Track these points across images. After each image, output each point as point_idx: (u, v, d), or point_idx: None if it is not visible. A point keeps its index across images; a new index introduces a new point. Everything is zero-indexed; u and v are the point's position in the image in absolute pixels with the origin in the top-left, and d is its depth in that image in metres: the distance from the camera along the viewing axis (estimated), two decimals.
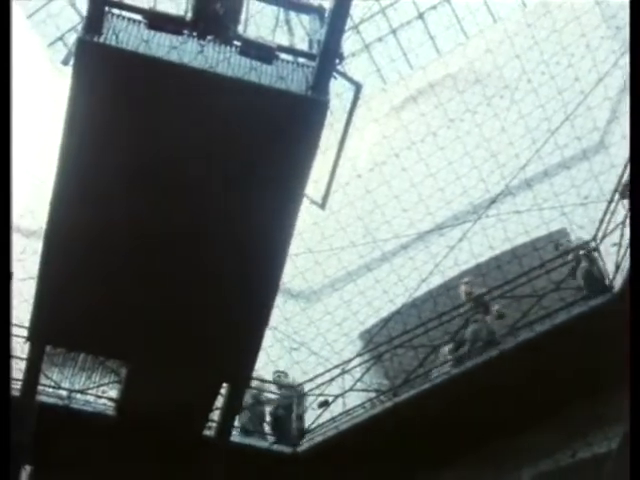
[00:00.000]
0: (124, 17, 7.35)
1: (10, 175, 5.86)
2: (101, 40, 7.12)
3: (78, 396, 11.01)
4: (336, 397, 11.61)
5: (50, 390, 10.97)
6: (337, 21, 7.21)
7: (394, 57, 16.21)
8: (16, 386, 10.64)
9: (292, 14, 8.18)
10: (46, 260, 8.30)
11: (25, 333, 10.20)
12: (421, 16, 16.55)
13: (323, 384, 12.03)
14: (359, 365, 12.34)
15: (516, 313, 11.23)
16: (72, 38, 8.00)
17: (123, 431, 10.14)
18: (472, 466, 10.69)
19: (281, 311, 12.85)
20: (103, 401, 10.98)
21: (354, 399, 11.95)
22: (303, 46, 7.84)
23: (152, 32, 7.33)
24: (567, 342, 10.11)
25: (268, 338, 9.68)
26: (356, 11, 12.87)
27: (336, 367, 12.28)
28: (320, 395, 12.18)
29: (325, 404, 11.63)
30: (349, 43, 12.28)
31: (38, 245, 10.70)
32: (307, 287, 15.36)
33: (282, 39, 7.93)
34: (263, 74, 7.40)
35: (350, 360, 12.40)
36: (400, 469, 10.78)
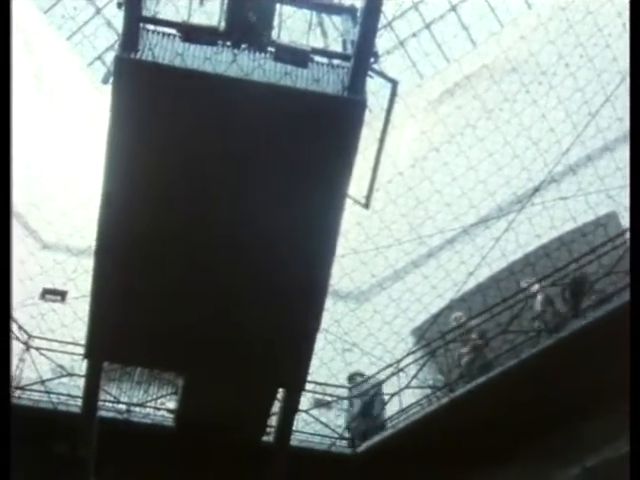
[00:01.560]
0: (158, 32, 7.44)
1: (10, 176, 5.84)
2: (138, 56, 7.20)
3: (137, 409, 11.13)
4: (392, 396, 11.56)
5: (109, 405, 11.10)
6: (369, 20, 7.20)
7: (428, 52, 16.13)
8: (77, 403, 10.87)
9: (324, 16, 8.18)
10: (98, 278, 8.41)
11: (81, 350, 10.40)
12: (454, 8, 16.45)
13: (378, 384, 11.99)
14: (413, 362, 12.27)
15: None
16: (110, 56, 8.11)
17: (183, 441, 10.24)
18: (528, 463, 10.51)
19: (331, 313, 12.84)
20: (162, 413, 11.09)
21: (409, 397, 11.90)
22: (337, 47, 7.86)
23: (187, 45, 7.40)
24: (623, 327, 9.92)
25: (319, 341, 9.69)
26: (388, 8, 12.81)
27: (390, 366, 12.22)
28: (375, 395, 12.16)
29: (382, 404, 11.59)
30: (383, 40, 12.26)
31: (88, 263, 10.91)
32: (355, 288, 15.35)
33: (316, 42, 7.93)
34: (298, 78, 7.43)
35: (403, 358, 12.33)
36: (457, 467, 10.68)
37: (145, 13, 7.31)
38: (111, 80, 7.32)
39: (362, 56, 7.39)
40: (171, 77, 7.26)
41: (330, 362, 13.23)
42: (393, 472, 10.83)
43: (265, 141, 7.59)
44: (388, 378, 12.01)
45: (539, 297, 11.37)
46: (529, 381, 10.19)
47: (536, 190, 13.11)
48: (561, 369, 10.09)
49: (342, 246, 10.50)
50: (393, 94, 8.08)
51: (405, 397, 11.86)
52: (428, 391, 11.95)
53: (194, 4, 7.84)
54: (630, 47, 7.05)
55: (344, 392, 12.71)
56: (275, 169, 7.73)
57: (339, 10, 7.93)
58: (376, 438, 11.30)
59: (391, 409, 11.67)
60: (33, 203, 14.42)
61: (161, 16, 7.63)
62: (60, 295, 13.92)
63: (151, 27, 7.45)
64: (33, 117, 15.96)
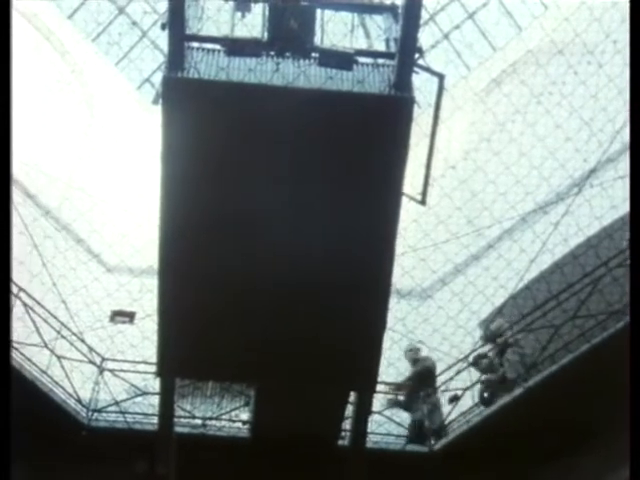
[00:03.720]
0: (203, 49, 7.52)
1: (10, 178, 5.90)
2: (184, 75, 7.29)
3: (212, 423, 11.24)
4: (465, 390, 11.46)
5: (184, 421, 11.23)
6: (411, 16, 7.17)
7: (472, 42, 16.02)
8: (151, 421, 11.04)
9: (366, 16, 8.18)
10: (164, 297, 8.51)
11: (150, 369, 10.57)
12: None
13: (449, 380, 11.90)
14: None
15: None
16: (158, 78, 8.28)
17: (259, 451, 10.30)
18: (608, 455, 10.28)
19: (394, 312, 12.80)
20: (237, 425, 11.19)
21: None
22: (381, 47, 7.84)
23: (231, 58, 7.47)
24: None
25: (385, 341, 9.62)
26: (429, 2, 12.78)
27: (460, 361, 12.12)
28: (446, 391, 12.08)
29: (455, 399, 11.48)
30: (426, 35, 12.20)
31: (150, 282, 11.08)
32: (416, 285, 15.26)
33: (359, 43, 7.94)
34: (342, 81, 7.43)
35: (473, 351, 12.21)
36: (532, 461, 10.53)
37: (188, 31, 7.41)
38: (161, 101, 7.44)
39: (406, 53, 7.35)
40: (216, 92, 7.33)
41: (397, 361, 13.19)
42: (471, 468, 10.73)
43: (315, 147, 7.60)
44: (460, 372, 11.91)
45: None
46: (602, 366, 10.00)
47: (592, 171, 12.89)
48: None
49: (400, 244, 10.45)
50: (440, 88, 8.04)
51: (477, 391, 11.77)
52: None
53: (235, 18, 7.93)
54: (630, 46, 6.89)
55: None
56: (328, 174, 7.73)
57: (380, 9, 7.92)
58: (452, 435, 11.21)
59: (465, 404, 11.56)
60: (94, 229, 14.72)
61: (204, 33, 7.74)
62: (129, 316, 14.18)
63: (195, 44, 7.55)
64: (88, 144, 16.33)
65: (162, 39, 14.35)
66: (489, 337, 12.30)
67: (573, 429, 10.02)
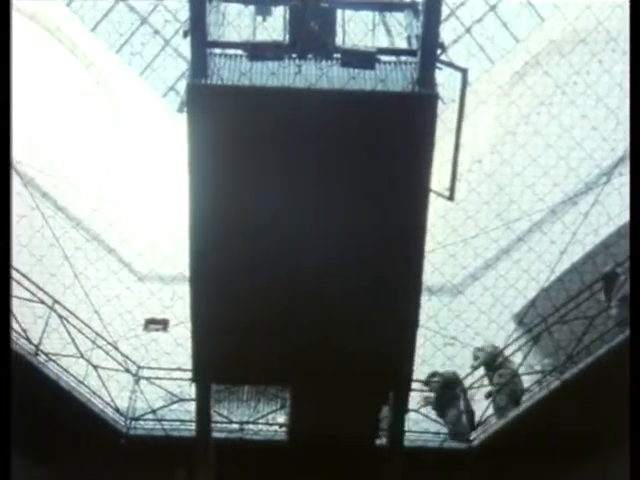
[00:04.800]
0: (225, 55, 7.55)
1: (10, 182, 5.92)
2: (208, 82, 7.32)
3: (248, 427, 11.29)
4: (502, 385, 11.40)
5: (221, 426, 11.28)
6: (432, 12, 7.14)
7: (493, 35, 15.93)
8: (187, 427, 11.10)
9: (387, 14, 8.16)
10: (196, 303, 8.55)
11: (185, 375, 10.62)
12: None
13: (485, 375, 11.85)
14: (518, 349, 12.08)
15: None
16: (182, 85, 8.30)
17: (297, 453, 10.32)
18: None
19: (426, 309, 12.76)
20: (274, 428, 11.22)
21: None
22: (402, 44, 7.82)
23: (253, 63, 7.49)
24: None
25: (418, 338, 9.61)
26: None
27: (496, 355, 12.04)
28: (482, 386, 12.03)
29: (492, 395, 11.43)
30: (447, 29, 12.14)
31: (181, 290, 11.15)
32: (447, 281, 15.19)
33: (381, 42, 7.92)
34: (365, 80, 7.42)
35: (507, 346, 12.15)
36: (573, 454, 10.42)
37: (210, 38, 7.44)
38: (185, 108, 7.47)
39: (428, 49, 7.32)
40: (240, 97, 7.35)
41: (431, 358, 13.15)
42: (510, 463, 10.67)
43: (341, 148, 7.59)
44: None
45: None
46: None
47: (621, 159, 12.75)
48: None
49: (429, 241, 10.43)
50: (464, 82, 8.00)
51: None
52: (536, 377, 11.75)
53: (256, 22, 7.95)
54: (630, 46, 6.79)
55: None
56: (355, 175, 7.72)
57: (400, 6, 7.89)
58: (489, 430, 11.15)
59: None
60: (124, 238, 14.84)
61: (225, 38, 7.77)
62: (162, 324, 14.29)
63: (217, 50, 7.58)
64: (115, 155, 16.48)
65: (184, 47, 14.49)
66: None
67: (611, 423, 9.91)
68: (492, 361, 11.96)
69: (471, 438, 11.40)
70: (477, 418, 11.71)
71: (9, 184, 5.69)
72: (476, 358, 12.47)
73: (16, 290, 11.06)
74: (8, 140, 5.78)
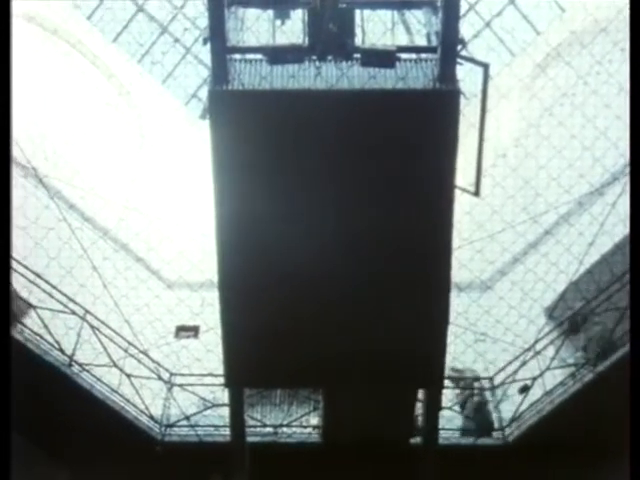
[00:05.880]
0: (246, 60, 7.58)
1: (9, 175, 5.94)
2: (229, 87, 7.35)
3: (282, 430, 11.30)
4: (534, 379, 11.31)
5: (255, 430, 11.30)
6: (451, 8, 7.13)
7: (513, 28, 15.83)
8: (220, 432, 11.15)
9: (406, 12, 8.15)
10: (226, 309, 8.60)
11: (217, 381, 10.66)
12: None
13: (517, 370, 11.76)
14: (550, 343, 11.98)
15: None
16: (204, 92, 8.35)
17: (332, 455, 10.32)
18: None
19: (454, 306, 12.71)
20: (307, 430, 11.23)
21: (549, 379, 11.60)
22: (423, 41, 7.80)
23: (272, 67, 7.51)
24: None
25: (448, 335, 9.58)
26: None
27: (527, 350, 11.97)
28: (514, 381, 11.95)
29: (525, 389, 11.35)
30: (466, 24, 12.09)
31: (209, 296, 11.19)
32: (475, 277, 15.12)
33: (401, 40, 7.91)
34: (384, 79, 7.41)
35: (539, 340, 12.05)
36: (608, 448, 10.32)
37: (229, 44, 7.47)
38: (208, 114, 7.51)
39: (448, 45, 7.31)
40: (261, 101, 7.39)
41: (461, 355, 13.09)
42: (545, 458, 10.61)
43: (365, 147, 7.58)
44: (526, 363, 11.76)
45: None
46: None
47: None
48: None
49: (455, 237, 10.40)
50: (486, 77, 7.98)
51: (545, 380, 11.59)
52: (568, 371, 11.64)
53: (274, 26, 7.97)
54: (630, 46, 6.72)
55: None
56: (380, 174, 7.71)
57: (419, 3, 7.86)
58: (524, 426, 11.08)
59: (535, 394, 11.40)
60: (152, 246, 14.93)
61: (244, 43, 7.80)
62: (193, 331, 14.36)
63: (237, 56, 7.61)
64: (140, 164, 16.60)
65: (204, 54, 14.59)
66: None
67: None
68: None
69: (506, 434, 11.32)
70: (510, 414, 11.61)
71: (9, 176, 5.74)
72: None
73: (48, 302, 11.18)
74: (8, 140, 5.83)
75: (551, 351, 11.89)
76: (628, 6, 13.41)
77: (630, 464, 5.60)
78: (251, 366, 9.10)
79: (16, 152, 12.11)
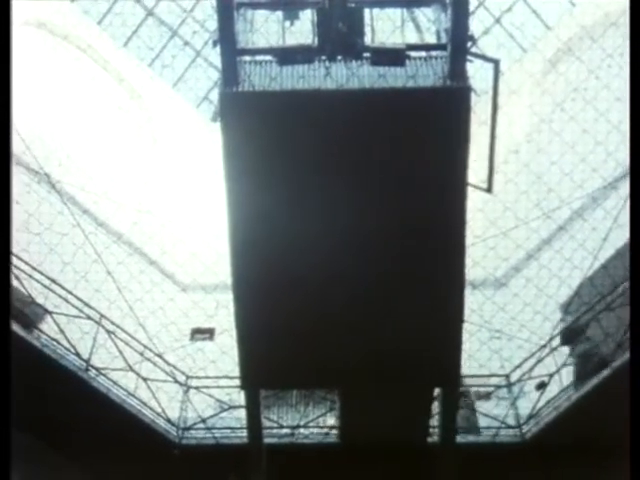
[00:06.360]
0: (256, 61, 7.59)
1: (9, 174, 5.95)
2: (239, 89, 7.36)
3: (299, 431, 11.30)
4: (551, 375, 11.27)
5: (271, 431, 11.31)
6: (460, 5, 7.11)
7: (522, 23, 15.78)
8: (237, 434, 11.15)
9: (415, 10, 8.14)
10: (240, 310, 8.60)
11: (233, 383, 10.66)
12: None
13: (533, 367, 11.72)
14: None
15: None
16: (215, 95, 8.36)
17: (350, 455, 10.31)
18: None
19: (469, 304, 12.68)
20: (324, 431, 11.22)
21: (565, 375, 11.56)
22: (433, 39, 7.79)
23: (282, 68, 7.51)
24: None
25: (463, 333, 9.56)
26: None
27: (543, 347, 11.92)
28: (530, 379, 11.91)
29: (542, 386, 11.31)
30: (475, 21, 12.04)
31: (223, 298, 11.20)
32: (488, 275, 15.09)
33: (411, 38, 7.90)
34: (393, 78, 7.40)
35: (555, 336, 12.00)
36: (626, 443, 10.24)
37: (239, 46, 7.48)
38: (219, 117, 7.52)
39: (458, 42, 7.29)
40: (271, 102, 7.39)
41: (477, 353, 13.05)
42: (563, 454, 10.55)
43: (376, 147, 7.57)
44: (542, 359, 11.72)
45: None
46: None
47: None
48: None
49: (468, 235, 10.40)
50: (496, 73, 7.95)
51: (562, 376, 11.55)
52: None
53: (283, 27, 7.97)
54: (630, 46, 6.67)
55: (495, 381, 12.52)
56: (393, 173, 7.69)
57: (428, 1, 7.86)
58: (542, 422, 11.04)
59: (551, 390, 11.36)
60: (165, 250, 14.98)
61: (253, 45, 7.81)
62: (208, 333, 14.39)
63: (247, 58, 7.62)
64: (152, 167, 16.66)
65: (214, 56, 14.58)
66: None
67: None
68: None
69: (523, 431, 11.28)
70: (527, 411, 11.57)
71: (9, 173, 5.76)
72: None
73: (63, 307, 11.23)
74: (8, 141, 5.86)
75: (567, 347, 11.85)
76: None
77: (630, 464, 5.52)
78: (267, 367, 9.10)
79: (29, 158, 12.19)
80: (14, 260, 10.92)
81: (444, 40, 7.51)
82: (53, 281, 11.41)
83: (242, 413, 10.90)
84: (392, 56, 7.45)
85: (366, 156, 7.60)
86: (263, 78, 7.48)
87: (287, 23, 7.93)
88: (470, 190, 8.33)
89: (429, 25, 7.91)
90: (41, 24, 15.43)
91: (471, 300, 13.32)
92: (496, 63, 7.83)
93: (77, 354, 10.76)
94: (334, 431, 10.98)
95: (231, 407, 11.54)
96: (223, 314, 11.76)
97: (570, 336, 11.70)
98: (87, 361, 10.78)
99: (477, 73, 8.59)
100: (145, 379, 11.42)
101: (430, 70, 7.47)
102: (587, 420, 10.32)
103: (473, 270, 14.08)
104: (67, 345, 10.73)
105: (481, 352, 13.24)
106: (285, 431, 11.37)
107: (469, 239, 10.08)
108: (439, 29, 7.63)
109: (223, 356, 12.31)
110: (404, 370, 9.07)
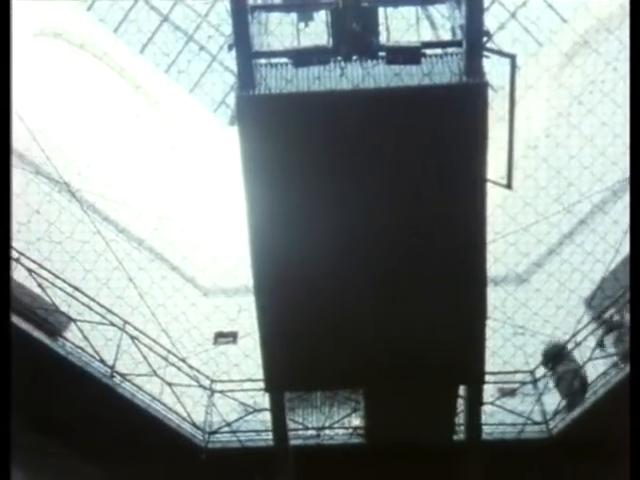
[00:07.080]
0: (271, 64, 7.60)
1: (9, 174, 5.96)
2: (256, 92, 7.37)
3: (325, 432, 11.30)
4: (576, 371, 11.19)
5: (297, 433, 11.31)
6: (475, 1, 7.09)
7: (538, 17, 15.70)
8: (261, 437, 11.17)
9: (430, 8, 8.12)
10: (262, 314, 8.62)
11: (257, 386, 10.68)
12: None
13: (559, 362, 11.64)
14: (590, 334, 11.85)
15: None
16: (232, 99, 8.39)
17: (376, 455, 10.30)
18: None
19: (491, 300, 12.63)
20: (350, 431, 11.21)
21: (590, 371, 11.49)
22: (447, 36, 7.77)
23: (297, 69, 7.52)
24: None
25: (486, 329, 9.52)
26: None
27: (567, 342, 11.84)
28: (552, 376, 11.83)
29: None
30: (489, 17, 11.99)
31: (244, 301, 11.22)
32: (509, 271, 15.02)
33: (426, 36, 7.88)
34: (409, 76, 7.38)
35: (579, 331, 11.92)
36: None
37: (254, 49, 7.49)
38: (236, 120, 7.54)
39: (473, 38, 7.27)
40: (288, 104, 7.41)
41: (500, 349, 12.99)
42: (589, 450, 10.48)
43: (394, 145, 7.56)
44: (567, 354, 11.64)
45: None
46: None
47: None
48: None
49: (488, 231, 10.35)
50: (513, 68, 7.90)
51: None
52: (610, 361, 11.50)
53: (298, 28, 7.98)
54: (630, 46, 6.62)
55: (520, 377, 12.46)
56: (411, 171, 7.68)
57: None
58: (569, 418, 10.97)
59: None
60: (186, 255, 15.03)
61: (268, 48, 7.82)
62: (231, 337, 14.42)
63: (262, 61, 7.63)
64: (171, 173, 16.73)
65: (230, 60, 14.67)
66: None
67: None
68: (555, 355, 11.78)
69: (550, 427, 11.22)
70: (553, 407, 11.51)
71: (9, 170, 5.81)
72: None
73: (86, 315, 11.30)
74: (8, 141, 5.90)
75: (592, 342, 11.77)
76: None
77: (630, 464, 5.49)
78: (290, 369, 9.10)
79: (50, 168, 12.29)
80: (37, 268, 11.03)
81: (459, 37, 7.47)
82: (76, 289, 11.48)
83: (267, 416, 10.91)
84: (407, 54, 7.43)
85: (384, 155, 7.59)
86: (279, 80, 7.49)
87: (301, 25, 7.93)
88: (489, 186, 8.31)
89: (444, 22, 7.89)
90: (57, 34, 15.55)
91: (493, 297, 13.22)
92: (512, 58, 7.78)
93: (102, 360, 10.82)
94: (359, 432, 10.96)
95: (256, 410, 11.55)
96: (245, 317, 11.78)
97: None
98: (112, 367, 10.84)
99: (493, 69, 8.56)
100: (170, 384, 11.46)
101: (446, 67, 7.45)
102: (614, 415, 10.23)
103: (494, 266, 14.02)
104: (92, 352, 10.79)
105: (505, 348, 13.16)
106: (310, 433, 11.36)
107: (489, 236, 10.07)
108: (454, 26, 7.60)
109: (246, 359, 12.34)
110: (428, 369, 9.04)
